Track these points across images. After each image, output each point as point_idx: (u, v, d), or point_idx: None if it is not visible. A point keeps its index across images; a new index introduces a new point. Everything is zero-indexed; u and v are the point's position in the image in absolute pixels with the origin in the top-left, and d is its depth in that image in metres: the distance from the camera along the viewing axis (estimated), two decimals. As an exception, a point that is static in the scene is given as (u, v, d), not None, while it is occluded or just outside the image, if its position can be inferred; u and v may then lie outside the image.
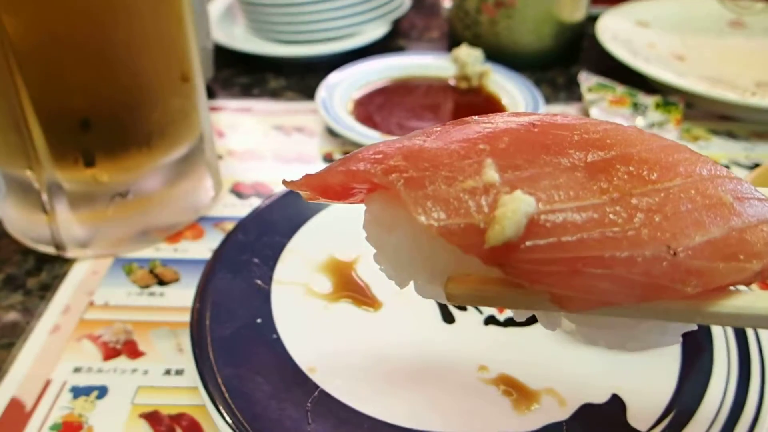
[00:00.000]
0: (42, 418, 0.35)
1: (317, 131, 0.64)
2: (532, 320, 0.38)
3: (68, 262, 0.46)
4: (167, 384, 0.37)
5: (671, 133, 0.62)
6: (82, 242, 0.46)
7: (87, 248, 0.46)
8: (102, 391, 0.37)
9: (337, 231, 0.44)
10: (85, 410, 0.35)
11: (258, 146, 0.61)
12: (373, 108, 0.65)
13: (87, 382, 0.37)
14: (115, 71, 0.42)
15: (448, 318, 0.39)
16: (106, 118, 0.43)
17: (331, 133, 0.63)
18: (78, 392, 0.36)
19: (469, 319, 0.39)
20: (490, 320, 0.39)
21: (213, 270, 0.39)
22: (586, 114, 0.66)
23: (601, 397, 0.33)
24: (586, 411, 0.32)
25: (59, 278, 0.45)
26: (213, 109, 0.68)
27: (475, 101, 0.67)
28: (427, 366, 0.35)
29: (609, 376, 0.34)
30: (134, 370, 0.38)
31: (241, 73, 0.75)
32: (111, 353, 0.39)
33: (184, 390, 0.37)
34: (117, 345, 0.40)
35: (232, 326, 0.36)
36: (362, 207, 0.47)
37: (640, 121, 0.63)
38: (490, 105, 0.65)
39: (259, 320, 0.37)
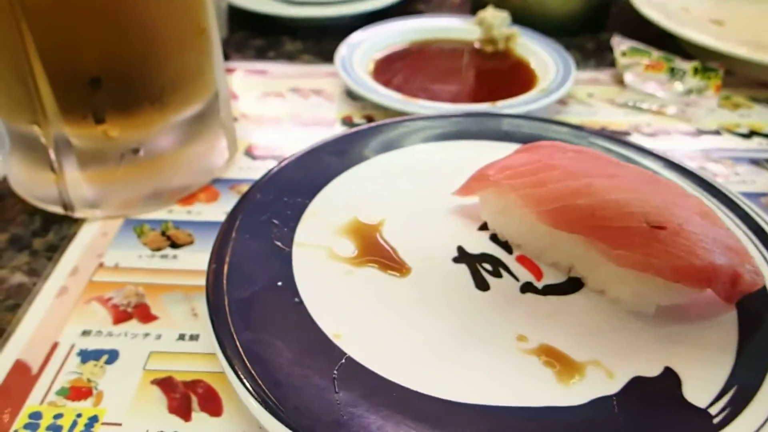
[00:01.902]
0: (48, 382, 0.33)
1: (335, 94, 0.61)
2: (573, 287, 0.36)
3: (77, 223, 0.44)
4: (181, 350, 0.35)
5: (711, 99, 0.58)
6: (91, 202, 0.44)
7: (96, 209, 0.44)
8: (112, 356, 0.34)
9: (361, 192, 0.42)
10: (95, 375, 0.33)
11: (273, 109, 0.58)
12: (394, 71, 0.62)
13: (96, 346, 0.35)
14: (127, 22, 0.39)
15: (482, 285, 0.36)
16: (117, 72, 0.41)
17: (351, 96, 0.60)
18: (87, 356, 0.34)
19: (505, 286, 0.36)
20: (528, 287, 0.36)
21: (229, 230, 0.37)
22: (620, 80, 0.63)
23: (652, 371, 0.30)
24: (637, 384, 0.30)
25: (67, 239, 0.43)
26: (226, 70, 0.65)
27: (502, 66, 0.64)
28: (460, 334, 0.33)
29: (659, 348, 0.32)
30: (146, 335, 0.36)
31: (256, 36, 0.72)
32: (122, 317, 0.37)
33: (199, 356, 0.34)
34: (128, 308, 0.37)
35: (251, 288, 0.34)
36: (385, 166, 0.44)
37: (677, 87, 0.60)
38: (518, 70, 0.62)
39: (279, 283, 0.34)
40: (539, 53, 0.62)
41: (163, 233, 0.43)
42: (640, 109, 0.59)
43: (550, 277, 0.37)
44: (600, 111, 0.59)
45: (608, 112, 0.59)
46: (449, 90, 0.60)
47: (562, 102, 0.60)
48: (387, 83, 0.59)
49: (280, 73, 0.65)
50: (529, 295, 0.35)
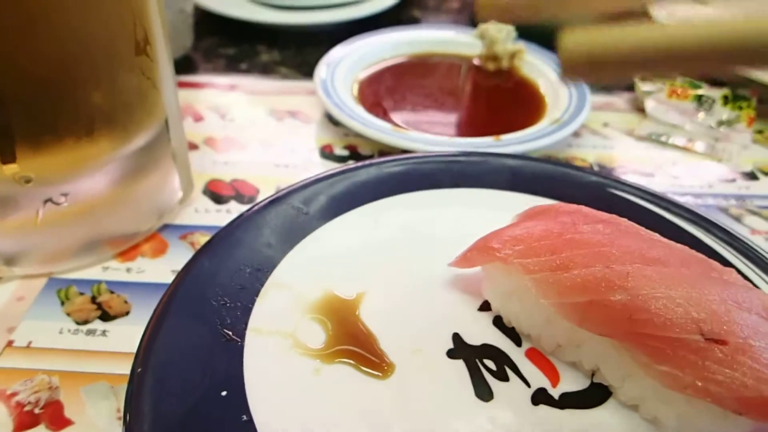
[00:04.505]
0: None
1: (315, 117, 0.53)
2: (598, 398, 0.29)
3: (-14, 284, 0.36)
4: (97, 472, 0.27)
5: (743, 134, 0.51)
6: (5, 257, 0.36)
7: (12, 265, 0.36)
8: (4, 483, 0.26)
9: (339, 257, 0.34)
10: None
11: (242, 133, 0.50)
12: (382, 91, 0.54)
13: (-15, 469, 0.27)
14: (40, 32, 0.31)
15: (484, 393, 0.28)
16: (28, 96, 0.32)
17: (332, 120, 0.52)
18: (-31, 485, 0.26)
19: (512, 393, 0.28)
20: (541, 396, 0.28)
21: (165, 313, 0.29)
22: (639, 108, 0.55)
23: None
24: None
25: (-29, 306, 0.34)
26: (190, 85, 0.56)
27: (505, 86, 0.56)
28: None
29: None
30: (53, 450, 0.28)
31: (227, 43, 0.64)
32: (26, 421, 0.29)
33: (118, 483, 0.27)
34: (36, 408, 0.29)
35: (185, 401, 0.26)
36: (367, 221, 0.37)
37: (704, 119, 0.52)
38: (524, 92, 0.54)
39: (224, 393, 0.27)
40: (548, 74, 0.55)
41: (94, 299, 0.35)
42: (664, 144, 0.51)
43: (569, 381, 0.29)
44: (617, 144, 0.51)
45: (627, 145, 0.51)
46: (445, 116, 0.52)
47: (574, 133, 0.52)
48: (374, 106, 0.51)
49: (253, 88, 0.57)
50: (544, 409, 0.28)
